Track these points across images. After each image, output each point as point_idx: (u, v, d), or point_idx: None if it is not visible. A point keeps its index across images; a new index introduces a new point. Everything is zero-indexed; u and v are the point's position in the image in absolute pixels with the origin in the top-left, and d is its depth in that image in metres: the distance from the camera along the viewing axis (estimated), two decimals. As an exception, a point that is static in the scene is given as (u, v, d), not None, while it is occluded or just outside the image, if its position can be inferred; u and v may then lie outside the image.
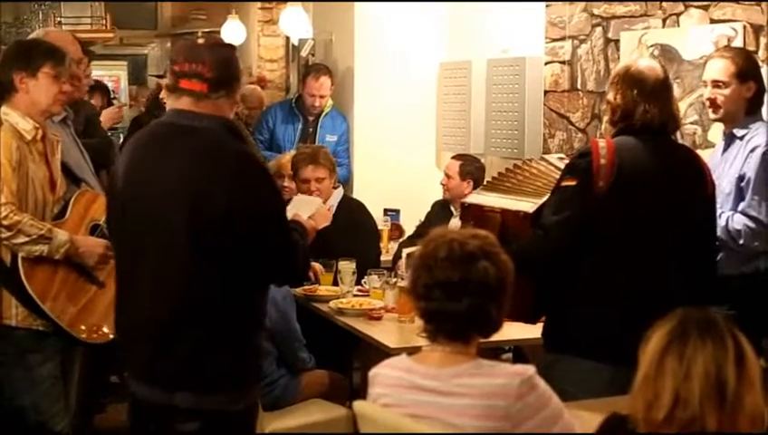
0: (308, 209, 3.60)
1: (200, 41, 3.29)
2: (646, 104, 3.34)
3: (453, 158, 6.13)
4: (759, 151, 3.79)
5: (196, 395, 3.00)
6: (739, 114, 3.93)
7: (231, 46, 3.34)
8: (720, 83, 3.93)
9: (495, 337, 2.57)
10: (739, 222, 3.78)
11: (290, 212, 3.34)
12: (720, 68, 3.95)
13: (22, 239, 3.60)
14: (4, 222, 3.57)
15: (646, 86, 3.36)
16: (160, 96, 5.61)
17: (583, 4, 5.55)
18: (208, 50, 3.12)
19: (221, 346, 3.01)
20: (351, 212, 5.46)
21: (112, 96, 9.18)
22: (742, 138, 3.89)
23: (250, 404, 3.18)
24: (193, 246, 2.95)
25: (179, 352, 2.98)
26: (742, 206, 3.81)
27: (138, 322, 3.07)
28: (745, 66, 3.93)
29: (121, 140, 8.30)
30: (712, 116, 4.06)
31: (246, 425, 3.19)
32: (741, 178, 3.83)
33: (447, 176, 5.98)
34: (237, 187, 2.94)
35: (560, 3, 5.71)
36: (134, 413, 3.20)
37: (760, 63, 4.19)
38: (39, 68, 3.76)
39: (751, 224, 3.77)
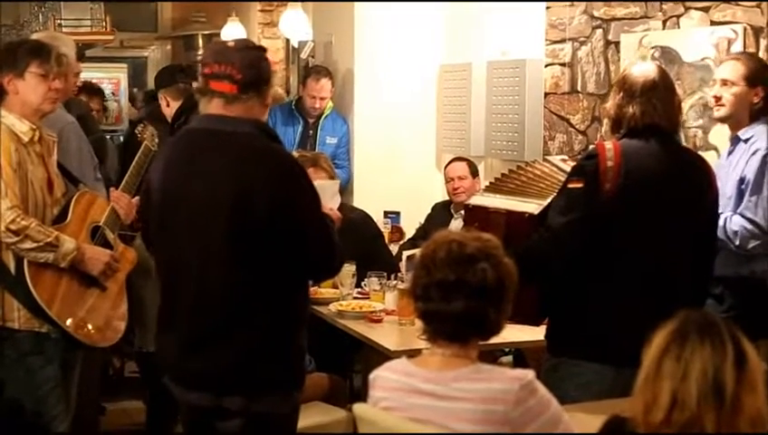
0: (330, 197, 3.59)
1: (230, 43, 3.28)
2: (630, 106, 3.35)
3: (455, 161, 6.11)
4: (760, 154, 3.82)
5: (246, 399, 3.04)
6: (743, 117, 3.95)
7: (261, 48, 3.32)
8: (728, 82, 3.95)
9: (495, 339, 2.57)
10: (736, 223, 3.80)
11: None
12: (730, 68, 3.98)
13: (28, 245, 3.59)
14: (12, 227, 3.56)
15: (631, 88, 3.37)
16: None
17: (583, 6, 5.55)
18: (238, 52, 3.13)
19: (269, 349, 3.04)
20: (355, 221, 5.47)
21: (113, 98, 9.19)
22: (746, 141, 3.91)
23: (294, 406, 3.21)
24: (234, 249, 2.98)
25: (228, 358, 3.01)
26: (740, 208, 3.82)
27: (183, 330, 3.09)
28: (756, 71, 3.95)
29: (122, 140, 8.31)
30: (715, 114, 4.08)
31: (288, 427, 3.21)
32: (742, 180, 3.85)
33: (459, 178, 5.95)
34: (279, 188, 2.98)
35: (560, 5, 5.71)
36: (183, 416, 3.29)
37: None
38: (25, 68, 3.74)
39: (748, 225, 3.79)
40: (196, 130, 3.21)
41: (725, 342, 2.01)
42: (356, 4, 7.04)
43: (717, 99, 3.99)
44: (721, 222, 3.75)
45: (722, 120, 4.07)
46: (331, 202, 3.51)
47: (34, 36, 4.55)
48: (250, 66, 3.09)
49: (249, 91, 3.07)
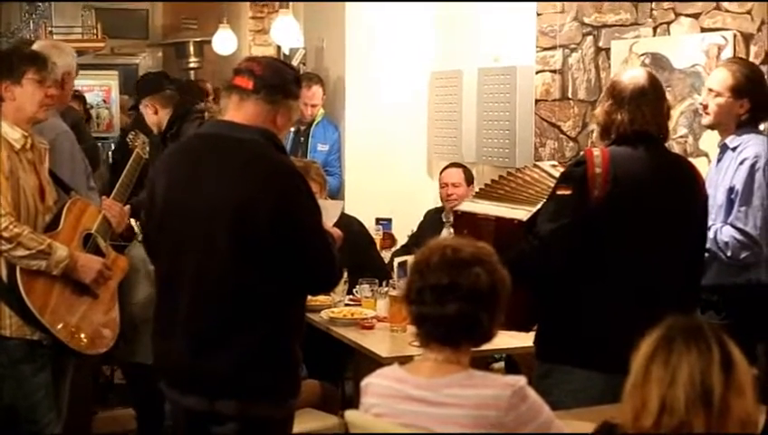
0: (333, 215, 3.60)
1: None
2: (619, 113, 3.35)
3: (450, 166, 6.09)
4: (747, 163, 3.82)
5: (240, 403, 3.03)
6: (729, 126, 3.96)
7: (296, 71, 3.36)
8: (714, 91, 3.96)
9: (487, 345, 2.57)
10: (727, 234, 3.80)
11: None
12: (719, 78, 3.97)
13: (21, 253, 3.59)
14: (5, 234, 3.55)
15: (620, 95, 3.37)
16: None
17: (574, 13, 5.57)
18: (270, 58, 3.24)
19: (266, 356, 3.03)
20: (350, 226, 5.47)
21: (104, 106, 9.18)
22: (734, 148, 3.91)
23: (289, 413, 3.21)
24: (234, 256, 2.96)
25: (225, 363, 3.00)
26: (730, 218, 3.83)
27: (181, 335, 3.07)
28: (744, 83, 3.91)
29: (113, 148, 8.30)
30: (702, 121, 4.12)
31: (283, 434, 3.21)
32: (731, 189, 3.85)
33: (453, 185, 5.94)
34: (282, 200, 2.96)
35: (551, 12, 5.72)
36: (174, 418, 3.27)
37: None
38: (23, 75, 3.75)
39: (738, 236, 3.79)
40: (204, 135, 3.22)
41: (711, 346, 2.01)
42: (347, 10, 7.04)
43: (704, 106, 4.02)
44: (711, 234, 3.76)
45: (709, 127, 4.11)
46: (331, 222, 3.51)
47: (36, 46, 4.53)
48: (274, 71, 3.11)
49: (263, 91, 3.05)
